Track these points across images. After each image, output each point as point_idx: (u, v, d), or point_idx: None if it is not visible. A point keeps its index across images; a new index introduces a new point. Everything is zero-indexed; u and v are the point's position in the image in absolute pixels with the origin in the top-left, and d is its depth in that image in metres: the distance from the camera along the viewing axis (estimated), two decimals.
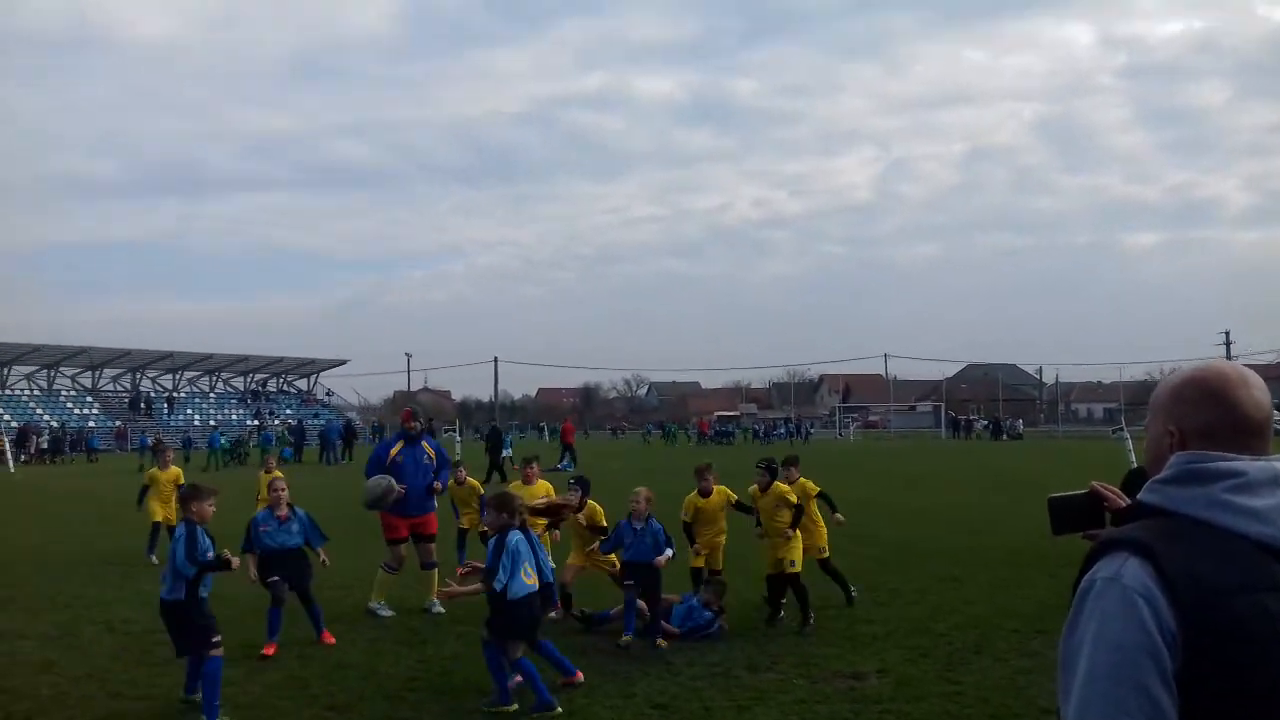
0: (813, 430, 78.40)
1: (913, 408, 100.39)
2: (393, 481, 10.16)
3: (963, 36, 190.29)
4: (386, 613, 10.31)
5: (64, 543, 16.45)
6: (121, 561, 14.13)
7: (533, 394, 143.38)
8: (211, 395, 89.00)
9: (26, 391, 78.57)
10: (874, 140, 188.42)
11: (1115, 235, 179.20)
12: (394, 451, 10.70)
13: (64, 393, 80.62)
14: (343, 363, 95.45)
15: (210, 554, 6.83)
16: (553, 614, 8.38)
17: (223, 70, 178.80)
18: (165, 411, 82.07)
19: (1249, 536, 1.68)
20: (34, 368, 79.69)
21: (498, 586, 6.78)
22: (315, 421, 70.82)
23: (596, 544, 9.98)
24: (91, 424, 70.99)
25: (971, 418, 78.93)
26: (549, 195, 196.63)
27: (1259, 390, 1.81)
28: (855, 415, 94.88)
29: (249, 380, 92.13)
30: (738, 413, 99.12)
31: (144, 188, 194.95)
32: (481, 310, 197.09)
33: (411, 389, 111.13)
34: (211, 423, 74.98)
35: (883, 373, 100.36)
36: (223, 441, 45.28)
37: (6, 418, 69.17)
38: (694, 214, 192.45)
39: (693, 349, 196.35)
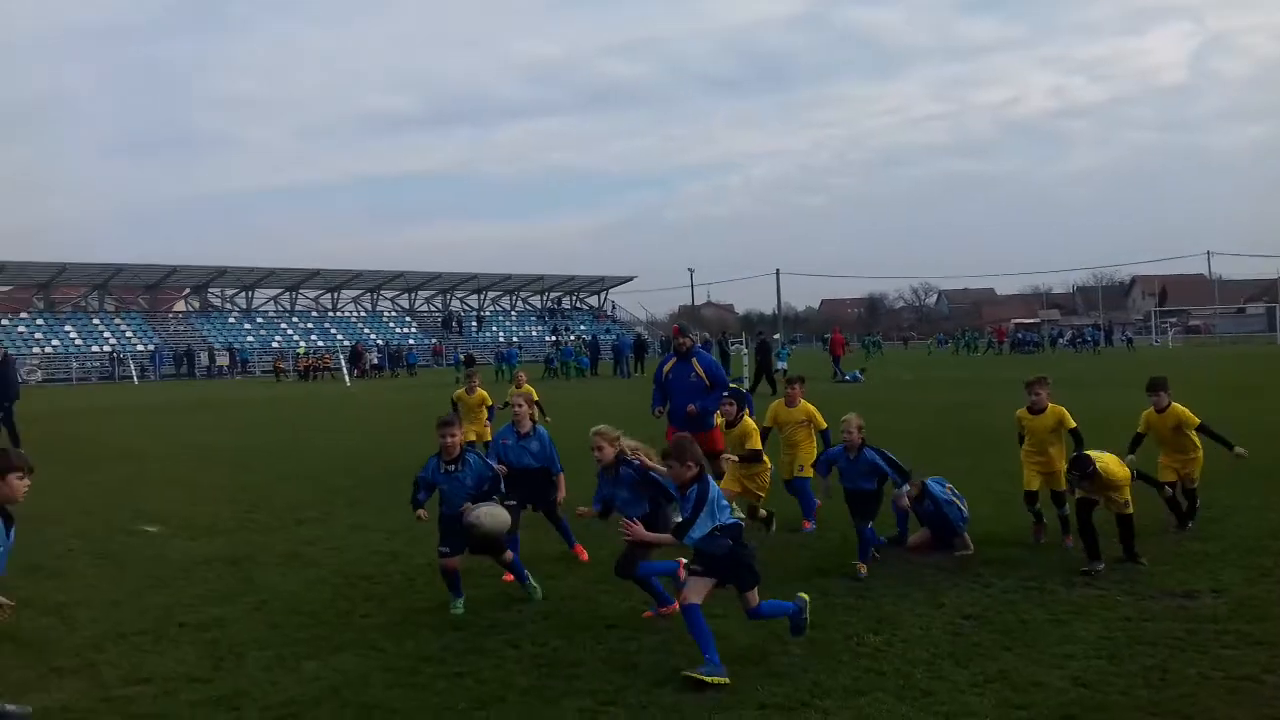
0: (1130, 338, 72.43)
1: (1241, 310, 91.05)
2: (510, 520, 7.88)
3: None
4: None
5: (399, 449, 18.27)
6: None
7: (816, 305, 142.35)
8: (513, 314, 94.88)
9: (354, 314, 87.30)
10: (1187, 13, 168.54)
11: None
12: (666, 368, 10.85)
13: (385, 314, 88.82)
14: (630, 279, 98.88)
15: None
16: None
17: (497, 4, 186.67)
18: (474, 329, 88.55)
19: None
20: (359, 291, 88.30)
21: (688, 542, 6.11)
22: (606, 337, 74.01)
23: (755, 469, 9.66)
24: (411, 341, 77.93)
25: None
26: (824, 99, 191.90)
27: None
28: (1174, 320, 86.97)
29: (545, 299, 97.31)
30: (1037, 319, 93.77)
31: (439, 118, 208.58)
32: (761, 221, 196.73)
33: (695, 303, 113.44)
34: (514, 339, 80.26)
35: (1205, 272, 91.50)
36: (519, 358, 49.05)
37: (340, 337, 77.47)
38: (981, 109, 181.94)
39: (985, 253, 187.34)
